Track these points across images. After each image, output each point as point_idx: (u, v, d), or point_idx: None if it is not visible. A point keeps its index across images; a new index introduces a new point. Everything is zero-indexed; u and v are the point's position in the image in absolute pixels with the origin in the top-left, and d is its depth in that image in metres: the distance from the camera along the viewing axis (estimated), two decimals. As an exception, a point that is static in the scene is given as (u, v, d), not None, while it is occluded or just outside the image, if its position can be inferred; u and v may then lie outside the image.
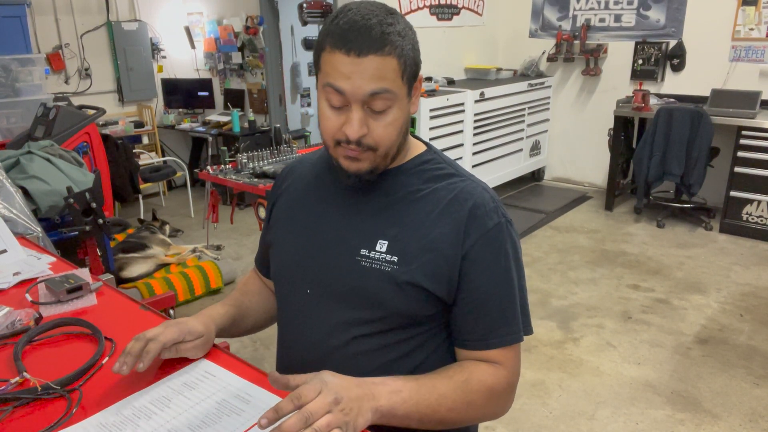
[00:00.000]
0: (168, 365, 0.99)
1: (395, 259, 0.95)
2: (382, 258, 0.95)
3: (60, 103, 3.39)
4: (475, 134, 4.67)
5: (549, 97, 5.51)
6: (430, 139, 4.12)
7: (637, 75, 5.03)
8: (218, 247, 4.11)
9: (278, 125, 5.05)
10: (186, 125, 5.68)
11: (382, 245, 0.96)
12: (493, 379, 0.95)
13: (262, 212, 2.72)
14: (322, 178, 1.08)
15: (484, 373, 0.95)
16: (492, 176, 4.88)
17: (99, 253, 2.62)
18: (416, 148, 1.05)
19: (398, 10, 4.57)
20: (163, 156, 5.59)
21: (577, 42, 5.25)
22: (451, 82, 5.01)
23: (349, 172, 0.95)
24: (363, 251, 0.97)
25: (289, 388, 0.81)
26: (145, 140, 5.56)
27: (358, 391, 0.81)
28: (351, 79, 0.86)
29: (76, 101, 4.38)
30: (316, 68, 0.93)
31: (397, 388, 0.87)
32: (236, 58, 5.56)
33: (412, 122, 4.14)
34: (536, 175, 5.79)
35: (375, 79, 0.86)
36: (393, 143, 0.94)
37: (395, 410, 0.85)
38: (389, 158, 0.96)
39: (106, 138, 3.94)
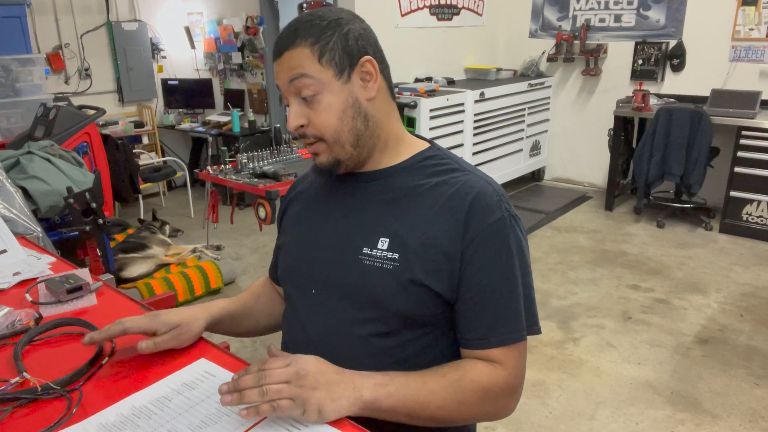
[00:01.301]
0: (168, 365, 0.99)
1: (396, 256, 0.94)
2: (384, 256, 0.95)
3: (60, 103, 3.39)
4: (475, 134, 4.67)
5: (549, 97, 5.52)
6: (431, 139, 4.11)
7: (637, 75, 5.03)
8: (218, 247, 4.12)
9: (278, 125, 5.05)
10: (186, 125, 5.68)
11: (383, 243, 0.96)
12: (488, 379, 0.93)
13: (262, 212, 2.72)
14: (327, 182, 1.09)
15: (479, 373, 0.93)
16: (492, 176, 4.82)
17: (99, 253, 2.62)
18: (417, 146, 1.05)
19: (398, 10, 4.61)
20: (163, 156, 5.59)
21: (577, 42, 5.25)
22: (451, 82, 5.01)
23: (317, 165, 1.02)
24: (365, 249, 0.96)
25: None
26: (145, 140, 5.56)
27: (334, 377, 0.84)
28: (278, 76, 0.96)
29: (76, 101, 4.38)
30: None
31: (383, 381, 0.87)
32: (236, 58, 5.56)
33: (412, 122, 4.14)
34: (536, 175, 5.79)
35: (290, 69, 0.94)
36: (337, 129, 0.95)
37: (379, 403, 0.85)
38: (348, 145, 0.97)
39: (106, 138, 3.94)
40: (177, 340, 1.01)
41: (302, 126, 0.96)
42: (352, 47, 0.94)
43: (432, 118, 4.26)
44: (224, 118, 5.49)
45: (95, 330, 1.08)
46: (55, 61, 4.92)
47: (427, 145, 1.06)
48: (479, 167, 1.09)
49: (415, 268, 0.93)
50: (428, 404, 0.89)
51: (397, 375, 0.89)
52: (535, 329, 0.98)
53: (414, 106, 4.14)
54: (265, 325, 1.20)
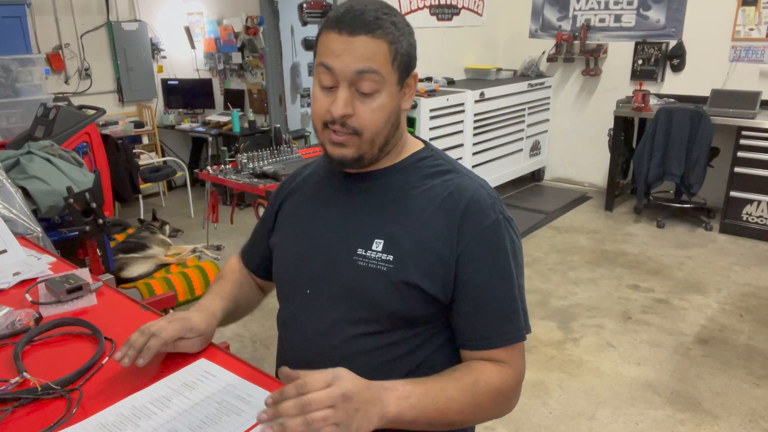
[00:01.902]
0: (168, 365, 0.99)
1: (390, 257, 0.95)
2: (378, 257, 0.95)
3: (60, 103, 3.38)
4: (475, 134, 4.67)
5: (549, 97, 5.51)
6: (430, 139, 4.11)
7: (637, 75, 5.03)
8: (218, 247, 4.11)
9: (278, 125, 5.05)
10: (186, 125, 5.68)
11: (378, 244, 0.96)
12: (500, 379, 0.94)
13: (262, 212, 2.72)
14: (323, 180, 1.09)
15: (491, 374, 0.94)
16: (492, 176, 4.88)
17: (99, 253, 2.62)
18: (413, 147, 1.05)
19: (398, 10, 4.61)
20: (163, 156, 5.59)
21: (577, 42, 5.25)
22: (451, 82, 5.01)
23: (333, 158, 0.97)
24: (360, 251, 0.97)
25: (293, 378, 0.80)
26: (145, 140, 5.56)
27: (368, 395, 0.80)
28: (341, 56, 0.89)
29: (76, 101, 4.38)
30: (314, 55, 0.96)
31: (406, 393, 0.85)
32: (236, 58, 5.56)
33: (412, 122, 4.14)
34: (536, 175, 5.79)
35: (363, 59, 0.89)
36: (379, 130, 0.94)
37: (403, 416, 0.85)
38: (376, 147, 0.96)
39: (106, 138, 3.94)
40: (198, 347, 1.02)
41: (347, 115, 0.92)
42: (412, 58, 0.95)
43: (432, 118, 4.26)
44: (224, 118, 5.48)
45: (96, 330, 1.08)
46: (55, 61, 4.92)
47: (421, 145, 1.07)
48: (479, 167, 1.10)
49: (409, 269, 0.93)
50: (448, 411, 0.89)
51: (417, 384, 0.88)
52: (527, 328, 1.00)
53: (414, 106, 4.14)
54: (244, 312, 1.22)
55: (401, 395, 0.85)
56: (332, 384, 0.76)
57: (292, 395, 0.75)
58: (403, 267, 0.94)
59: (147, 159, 5.20)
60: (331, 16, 0.91)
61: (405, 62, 0.93)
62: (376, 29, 0.89)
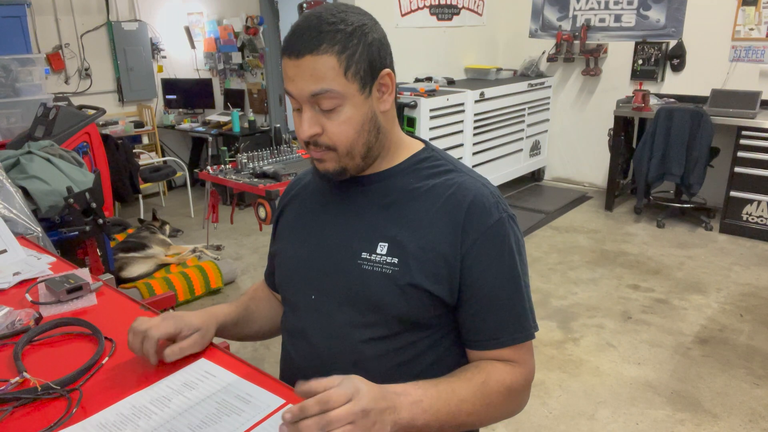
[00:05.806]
0: (168, 365, 0.99)
1: (396, 260, 0.94)
2: (383, 260, 0.95)
3: (60, 103, 3.38)
4: (475, 134, 4.67)
5: (549, 97, 5.51)
6: (431, 139, 4.10)
7: (637, 75, 5.03)
8: (218, 247, 4.12)
9: (278, 125, 5.05)
10: (186, 125, 5.68)
11: (382, 247, 0.95)
12: (511, 378, 0.94)
13: (262, 212, 2.72)
14: (322, 185, 1.08)
15: (501, 373, 0.94)
16: (492, 176, 4.87)
17: (99, 253, 2.62)
18: (413, 147, 1.04)
19: (398, 10, 4.61)
20: (163, 156, 5.59)
21: (577, 42, 5.25)
22: (451, 82, 5.01)
23: (320, 172, 0.98)
24: (364, 254, 0.96)
25: (312, 393, 0.76)
26: (145, 140, 5.56)
27: (383, 404, 0.79)
28: (294, 81, 0.89)
29: (76, 101, 4.38)
30: None
31: (418, 398, 0.85)
32: (236, 58, 5.56)
33: (412, 122, 4.14)
34: (536, 175, 5.79)
35: (313, 80, 0.87)
36: (352, 142, 0.93)
37: (415, 421, 0.84)
38: (357, 157, 0.95)
39: (106, 138, 3.95)
40: (199, 344, 1.01)
41: (316, 135, 0.92)
42: (375, 59, 0.91)
43: (432, 118, 4.25)
44: (224, 118, 5.49)
45: (96, 330, 1.08)
46: (55, 61, 4.92)
47: (421, 145, 1.06)
48: (479, 167, 1.10)
49: (415, 272, 0.93)
50: (459, 413, 0.88)
51: (429, 388, 0.87)
52: (535, 326, 0.99)
53: (414, 106, 4.14)
54: (266, 330, 1.20)
55: (414, 400, 0.84)
56: (353, 399, 0.75)
57: (315, 412, 0.73)
58: (408, 270, 0.93)
59: (147, 159, 5.20)
60: (284, 39, 0.90)
61: (364, 68, 0.89)
62: (319, 45, 0.86)
